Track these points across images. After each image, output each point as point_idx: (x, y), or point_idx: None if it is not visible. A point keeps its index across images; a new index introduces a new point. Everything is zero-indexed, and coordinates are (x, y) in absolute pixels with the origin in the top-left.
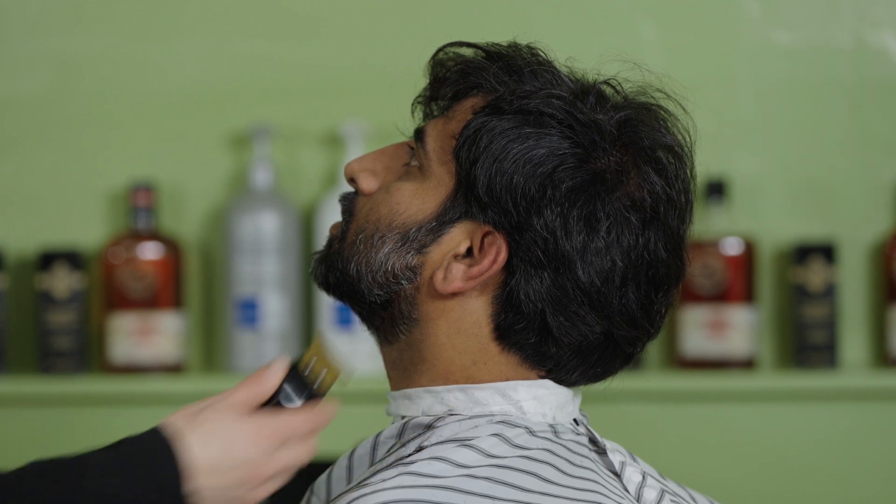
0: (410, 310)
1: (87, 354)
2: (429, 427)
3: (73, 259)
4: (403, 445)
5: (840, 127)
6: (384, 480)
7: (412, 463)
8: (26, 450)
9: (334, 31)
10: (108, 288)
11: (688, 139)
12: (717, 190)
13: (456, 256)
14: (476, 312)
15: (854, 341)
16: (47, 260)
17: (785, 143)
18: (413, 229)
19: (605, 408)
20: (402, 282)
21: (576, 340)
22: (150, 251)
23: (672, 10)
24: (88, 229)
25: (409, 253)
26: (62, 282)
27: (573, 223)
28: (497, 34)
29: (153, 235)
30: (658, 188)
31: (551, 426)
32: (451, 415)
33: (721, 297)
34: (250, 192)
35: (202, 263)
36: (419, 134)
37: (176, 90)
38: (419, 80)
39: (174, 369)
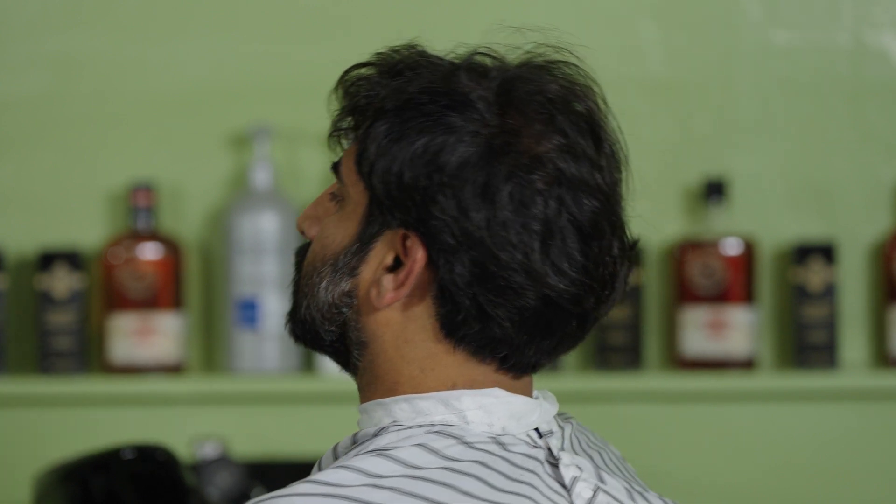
0: (358, 334)
1: (87, 355)
2: (374, 437)
3: (73, 259)
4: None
5: (840, 127)
6: (291, 486)
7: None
8: (26, 450)
9: (335, 30)
10: (108, 288)
11: (594, 87)
12: (716, 190)
13: (387, 269)
14: (420, 317)
15: (854, 341)
16: (47, 260)
17: (785, 143)
18: (341, 256)
19: (605, 408)
20: (343, 309)
21: (515, 314)
22: (149, 251)
23: (672, 11)
24: (88, 229)
25: (342, 280)
26: (62, 282)
27: (469, 201)
28: (496, 34)
29: (153, 235)
30: (555, 141)
31: (495, 437)
32: (395, 425)
33: (721, 297)
34: (250, 192)
35: (202, 263)
36: (336, 167)
37: (176, 90)
38: None
39: (174, 369)
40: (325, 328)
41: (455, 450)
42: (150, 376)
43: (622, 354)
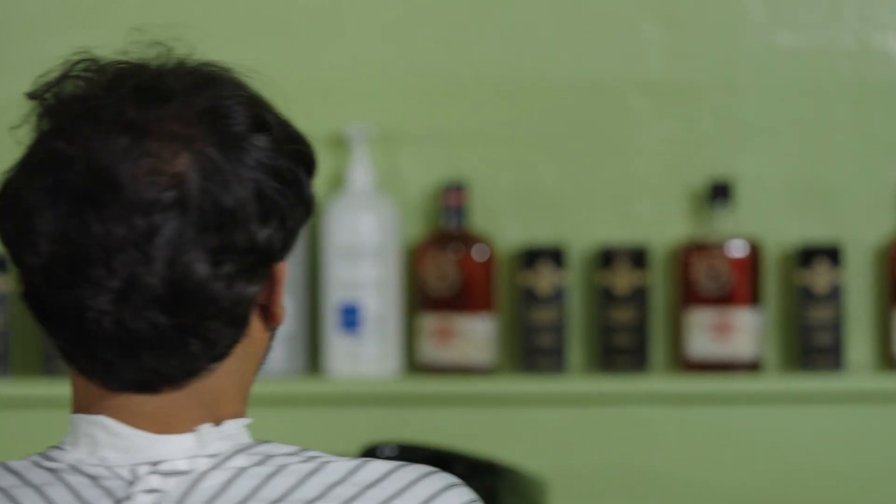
0: None
1: None
2: None
3: None
4: None
5: (844, 129)
6: None
7: None
8: (30, 452)
9: (339, 32)
10: None
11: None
12: (721, 192)
13: None
14: None
15: (859, 343)
16: None
17: (789, 145)
18: None
19: (610, 410)
20: None
21: (58, 325)
22: None
23: (675, 12)
24: None
25: None
26: None
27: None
28: (498, 36)
29: None
30: (50, 146)
31: (80, 466)
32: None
33: (726, 299)
34: None
35: None
36: None
37: None
38: (423, 82)
39: None
40: None
41: (34, 473)
42: None
43: (627, 356)
